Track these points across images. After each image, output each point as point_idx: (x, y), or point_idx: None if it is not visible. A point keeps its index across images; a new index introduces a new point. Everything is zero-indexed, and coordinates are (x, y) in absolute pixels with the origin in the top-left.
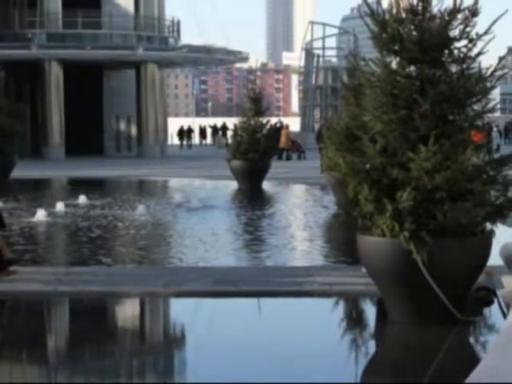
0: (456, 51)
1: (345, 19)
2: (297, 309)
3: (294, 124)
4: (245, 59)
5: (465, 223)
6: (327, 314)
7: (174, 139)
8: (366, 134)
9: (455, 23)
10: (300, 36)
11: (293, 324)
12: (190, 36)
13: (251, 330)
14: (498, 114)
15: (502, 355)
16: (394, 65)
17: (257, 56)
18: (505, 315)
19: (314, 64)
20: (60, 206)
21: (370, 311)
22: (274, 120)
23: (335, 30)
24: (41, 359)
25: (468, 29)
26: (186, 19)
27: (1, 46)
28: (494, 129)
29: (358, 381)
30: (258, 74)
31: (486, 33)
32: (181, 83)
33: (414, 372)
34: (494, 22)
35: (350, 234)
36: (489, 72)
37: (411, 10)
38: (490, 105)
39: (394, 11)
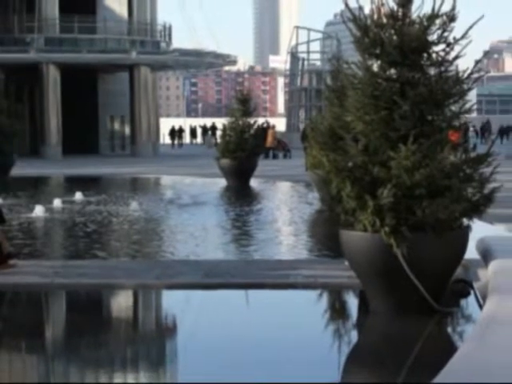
0: (434, 55)
1: (328, 24)
2: (283, 300)
3: (280, 124)
4: (233, 62)
5: (443, 219)
6: (312, 305)
7: (165, 139)
8: (348, 133)
9: (434, 28)
10: (286, 40)
11: (279, 315)
12: (181, 40)
13: (239, 320)
14: (474, 114)
15: (479, 344)
16: (375, 68)
17: (245, 59)
18: (481, 306)
19: (299, 67)
20: (57, 203)
21: (352, 302)
22: (261, 120)
23: (319, 35)
24: (39, 347)
25: (446, 33)
26: (177, 24)
27: (1, 50)
28: (471, 129)
29: (341, 368)
30: (246, 76)
31: (462, 37)
32: (172, 85)
33: (394, 360)
34: (471, 27)
35: (333, 229)
36: (466, 74)
37: (392, 16)
38: (467, 106)
39: (376, 17)
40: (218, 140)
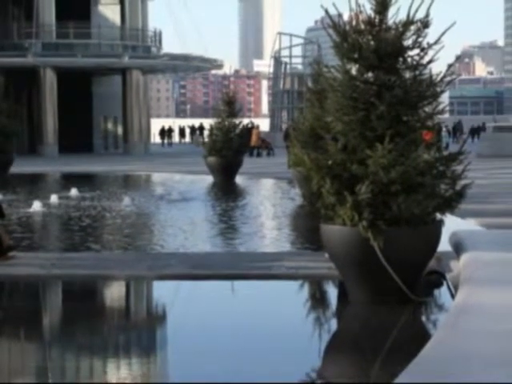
0: (409, 59)
1: (309, 30)
2: (266, 290)
3: (263, 124)
4: (220, 66)
5: (417, 213)
6: (293, 295)
7: (156, 138)
8: (328, 133)
9: (409, 34)
10: (269, 45)
11: (262, 304)
12: (170, 45)
13: (225, 309)
14: (446, 115)
15: (451, 331)
16: (353, 71)
17: (230, 63)
18: (453, 296)
19: (282, 70)
20: (54, 198)
21: (332, 292)
22: (245, 121)
23: (301, 40)
24: (37, 334)
25: (420, 39)
26: (167, 30)
27: (1, 54)
28: (444, 129)
29: (322, 355)
30: (232, 79)
31: (436, 42)
32: (162, 87)
33: (371, 347)
34: (444, 33)
35: (314, 223)
36: (439, 78)
37: (369, 22)
38: (440, 107)
39: (354, 23)
40: (206, 139)
